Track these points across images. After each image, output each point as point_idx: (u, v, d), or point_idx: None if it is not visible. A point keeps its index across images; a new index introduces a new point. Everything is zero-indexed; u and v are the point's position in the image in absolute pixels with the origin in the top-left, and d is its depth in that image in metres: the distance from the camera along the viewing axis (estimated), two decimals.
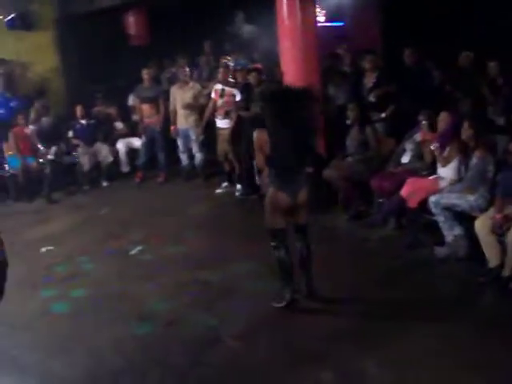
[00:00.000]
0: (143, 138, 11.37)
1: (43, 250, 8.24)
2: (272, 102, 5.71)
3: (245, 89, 9.76)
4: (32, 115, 11.55)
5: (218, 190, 10.15)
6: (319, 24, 10.73)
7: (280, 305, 5.89)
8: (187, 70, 10.94)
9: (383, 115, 9.09)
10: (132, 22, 14.40)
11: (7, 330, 5.84)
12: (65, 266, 7.66)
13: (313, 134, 5.89)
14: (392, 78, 9.36)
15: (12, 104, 11.94)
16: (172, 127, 10.82)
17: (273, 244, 5.91)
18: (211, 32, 12.63)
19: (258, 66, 10.37)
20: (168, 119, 11.02)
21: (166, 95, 11.06)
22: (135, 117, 11.77)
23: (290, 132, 5.54)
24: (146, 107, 11.21)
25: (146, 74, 11.10)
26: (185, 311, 5.99)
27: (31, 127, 11.39)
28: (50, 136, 11.30)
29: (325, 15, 13.11)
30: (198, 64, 12.50)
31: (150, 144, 11.32)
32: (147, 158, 11.36)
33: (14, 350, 5.46)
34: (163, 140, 11.17)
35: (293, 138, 5.55)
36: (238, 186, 9.83)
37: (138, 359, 5.30)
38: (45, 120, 11.44)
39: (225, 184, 10.23)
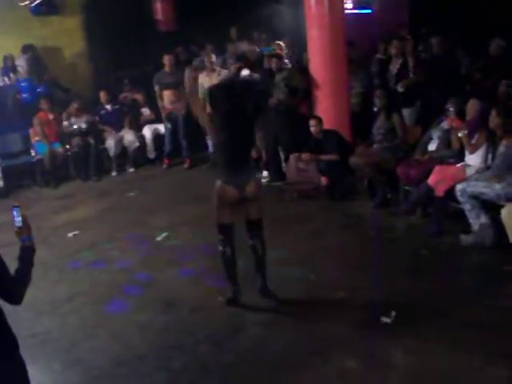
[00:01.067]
0: (167, 125, 11.39)
1: (70, 235, 8.31)
2: (217, 95, 5.59)
3: (267, 75, 9.70)
4: (65, 115, 11.59)
5: None
6: (346, 11, 10.64)
7: (221, 299, 5.89)
8: (213, 57, 10.90)
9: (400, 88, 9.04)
10: (159, 7, 14.39)
11: (34, 315, 5.89)
12: (91, 251, 7.71)
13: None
14: (420, 65, 9.29)
15: (38, 89, 12.01)
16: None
17: (219, 239, 5.79)
18: (238, 18, 12.59)
19: (280, 51, 10.28)
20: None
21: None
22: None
23: (234, 125, 5.43)
24: (167, 93, 11.20)
25: (166, 59, 11.06)
26: (210, 298, 5.99)
27: (65, 123, 11.47)
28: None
29: (352, 2, 13.03)
30: (226, 50, 12.47)
31: (174, 131, 11.34)
32: (173, 146, 11.39)
33: (41, 336, 5.51)
34: (186, 126, 11.14)
35: (237, 130, 5.46)
36: (265, 173, 9.80)
37: (163, 345, 5.32)
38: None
39: None
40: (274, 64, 9.53)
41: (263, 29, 12.51)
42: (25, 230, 3.37)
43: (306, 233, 7.53)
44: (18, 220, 3.37)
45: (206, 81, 10.49)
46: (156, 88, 11.37)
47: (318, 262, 6.66)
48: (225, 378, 4.83)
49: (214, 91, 5.60)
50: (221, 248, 5.78)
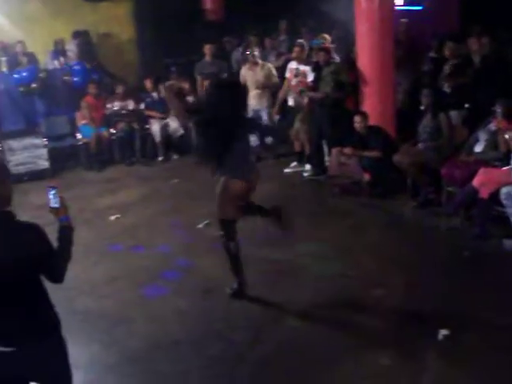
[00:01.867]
0: None
1: (112, 218, 8.42)
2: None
3: (314, 69, 9.66)
4: (110, 99, 11.72)
5: (287, 170, 10.10)
6: (397, 7, 10.55)
7: (228, 291, 5.93)
8: (256, 50, 10.87)
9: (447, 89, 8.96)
10: None
11: (75, 295, 5.98)
12: (132, 235, 7.81)
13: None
14: (469, 66, 9.18)
15: (90, 74, 12.14)
16: None
17: (224, 234, 5.82)
18: (287, 10, 12.56)
19: (328, 45, 10.22)
20: None
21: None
22: None
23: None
24: (207, 84, 11.15)
25: (207, 49, 11.03)
26: (249, 287, 6.00)
27: (108, 105, 11.60)
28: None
29: None
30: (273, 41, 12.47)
31: None
32: None
33: (80, 315, 5.59)
34: None
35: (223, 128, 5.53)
36: (307, 166, 9.77)
37: (200, 331, 5.37)
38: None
39: (294, 164, 10.17)
40: (321, 58, 9.46)
41: (312, 22, 12.46)
42: (62, 211, 3.41)
43: (345, 228, 7.53)
44: (55, 201, 3.41)
45: (248, 74, 10.48)
46: (198, 78, 11.36)
47: (357, 258, 6.66)
48: (258, 368, 4.86)
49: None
50: (227, 243, 5.81)
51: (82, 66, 12.21)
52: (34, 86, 11.68)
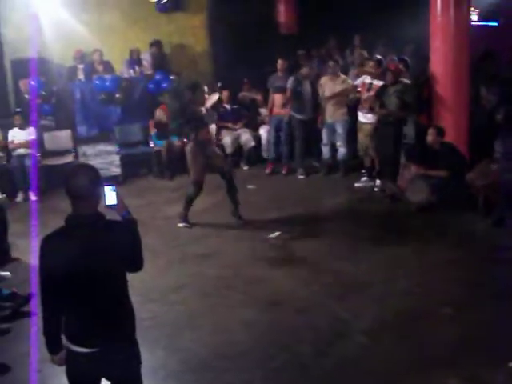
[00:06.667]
0: (270, 130, 11.33)
1: (180, 225, 8.47)
2: None
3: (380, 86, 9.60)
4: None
5: (357, 184, 10.05)
6: (472, 23, 10.38)
7: None
8: (337, 62, 10.84)
9: None
10: (282, 10, 14.49)
11: (142, 301, 6.02)
12: (201, 244, 7.86)
13: None
14: None
15: (163, 84, 12.28)
16: (319, 118, 10.70)
17: None
18: (361, 25, 12.51)
19: (394, 64, 10.05)
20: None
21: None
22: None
23: None
24: (277, 97, 11.07)
25: (279, 64, 11.01)
26: (316, 300, 6.00)
27: None
28: None
29: (478, 14, 12.72)
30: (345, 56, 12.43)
31: (277, 135, 11.28)
32: (277, 151, 11.35)
33: (146, 321, 5.63)
34: (289, 132, 11.08)
35: None
36: (378, 182, 9.70)
37: (266, 343, 5.36)
38: None
39: (364, 179, 10.12)
40: (389, 78, 9.37)
41: (386, 36, 12.39)
42: (121, 207, 3.46)
43: (414, 245, 7.42)
44: (111, 198, 3.42)
45: (328, 85, 10.41)
46: (270, 91, 11.37)
47: (426, 275, 6.56)
48: (321, 382, 4.82)
49: None
50: None
51: (162, 76, 12.32)
52: (117, 96, 11.90)
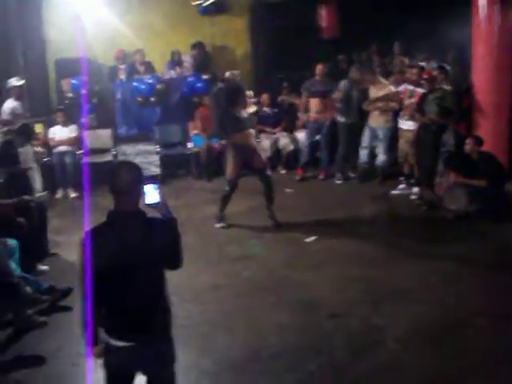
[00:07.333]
0: (307, 135, 11.31)
1: (217, 226, 8.53)
2: None
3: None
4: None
5: (394, 191, 9.99)
6: None
7: None
8: (377, 68, 10.80)
9: None
10: (323, 14, 14.48)
11: (178, 300, 6.03)
12: (237, 245, 7.90)
13: None
14: None
15: (199, 85, 12.35)
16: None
17: None
18: (401, 31, 12.45)
19: (428, 71, 9.95)
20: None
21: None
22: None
23: None
24: (314, 102, 11.06)
25: (318, 69, 10.97)
26: (350, 306, 5.99)
27: None
28: None
29: None
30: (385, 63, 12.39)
31: (314, 141, 11.27)
32: (311, 156, 11.37)
33: (182, 320, 5.66)
34: (328, 137, 11.07)
35: None
36: (415, 189, 9.63)
37: (299, 346, 5.35)
38: None
39: (402, 186, 10.06)
40: (426, 86, 9.33)
41: (426, 43, 12.33)
42: (163, 206, 3.50)
43: (451, 254, 7.34)
44: (155, 196, 3.45)
45: (371, 91, 10.38)
46: (303, 94, 11.34)
47: (462, 284, 6.49)
48: None
49: None
50: None
51: (196, 77, 12.42)
52: (152, 99, 12.01)
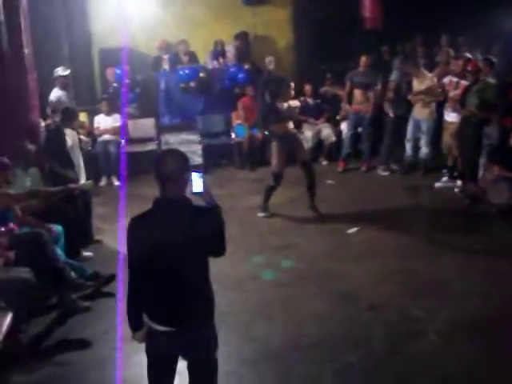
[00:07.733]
0: (349, 126, 11.31)
1: (260, 215, 8.62)
2: None
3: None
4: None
5: (438, 184, 9.91)
6: None
7: None
8: (422, 60, 10.71)
9: None
10: (367, 5, 14.35)
11: (220, 288, 6.08)
12: (279, 235, 7.95)
13: None
14: None
15: (240, 75, 12.42)
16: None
17: None
18: (446, 22, 12.32)
19: (473, 62, 9.82)
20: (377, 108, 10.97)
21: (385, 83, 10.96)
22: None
23: None
24: (357, 93, 11.08)
25: (362, 61, 10.94)
26: (390, 298, 5.99)
27: None
28: None
29: None
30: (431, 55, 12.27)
31: (355, 133, 11.27)
32: (353, 148, 11.36)
33: (224, 307, 5.71)
34: (369, 129, 11.06)
35: None
36: (459, 182, 9.55)
37: (338, 337, 5.37)
38: None
39: (445, 178, 9.98)
40: (468, 78, 9.24)
41: (470, 35, 12.20)
42: (207, 194, 3.54)
43: (494, 247, 7.28)
44: (199, 185, 3.50)
45: (415, 84, 10.29)
46: (347, 83, 11.33)
47: (504, 278, 6.44)
48: (392, 379, 4.80)
49: None
50: None
51: (239, 68, 12.47)
52: (192, 84, 12.07)
